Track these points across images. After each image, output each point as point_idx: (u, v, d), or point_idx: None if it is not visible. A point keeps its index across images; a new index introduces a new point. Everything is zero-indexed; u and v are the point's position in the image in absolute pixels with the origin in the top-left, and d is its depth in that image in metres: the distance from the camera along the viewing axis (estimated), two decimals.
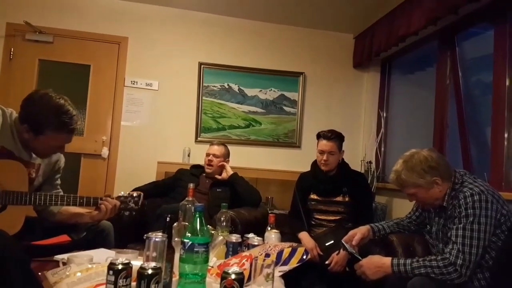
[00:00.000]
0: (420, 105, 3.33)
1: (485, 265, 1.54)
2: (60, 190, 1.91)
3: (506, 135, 2.29)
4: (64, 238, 1.70)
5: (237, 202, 2.71)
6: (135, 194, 1.85)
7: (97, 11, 3.46)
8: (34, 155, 1.72)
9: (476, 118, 2.70)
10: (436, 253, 1.70)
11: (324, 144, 2.35)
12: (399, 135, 3.57)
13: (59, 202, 1.69)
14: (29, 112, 1.60)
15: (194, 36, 3.60)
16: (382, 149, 3.62)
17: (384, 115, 3.66)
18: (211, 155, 2.78)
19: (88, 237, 1.80)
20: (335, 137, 2.35)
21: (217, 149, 2.81)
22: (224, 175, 2.77)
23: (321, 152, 2.36)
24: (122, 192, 1.86)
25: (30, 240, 1.67)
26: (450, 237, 1.57)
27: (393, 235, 1.95)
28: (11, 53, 3.31)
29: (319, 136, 2.41)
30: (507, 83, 2.30)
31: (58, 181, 1.89)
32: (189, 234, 1.23)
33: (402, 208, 2.74)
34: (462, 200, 1.56)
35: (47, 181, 1.82)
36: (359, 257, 1.77)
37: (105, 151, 3.40)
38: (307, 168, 2.61)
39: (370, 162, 3.42)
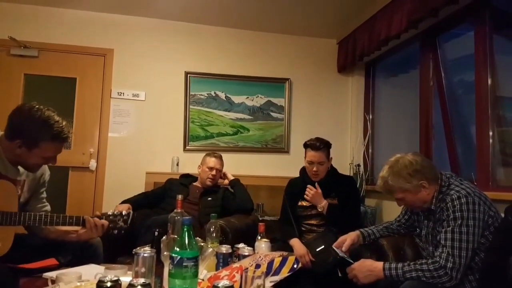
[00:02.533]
0: (405, 107, 3.37)
1: (475, 267, 1.56)
2: (47, 203, 1.90)
3: (490, 133, 2.33)
4: (51, 261, 1.66)
5: (228, 209, 2.71)
6: (124, 212, 1.83)
7: (82, 23, 3.44)
8: (20, 171, 1.70)
9: (461, 117, 2.75)
10: (426, 257, 1.71)
11: (313, 155, 2.33)
12: (386, 137, 3.61)
13: (48, 222, 1.68)
14: (20, 126, 1.60)
15: (180, 46, 3.61)
16: (370, 151, 3.66)
17: (370, 118, 3.70)
18: (214, 170, 2.78)
19: (76, 253, 1.78)
20: (323, 146, 2.34)
21: (220, 163, 2.84)
22: (226, 181, 2.89)
23: (311, 163, 2.35)
24: (111, 211, 1.84)
25: (18, 260, 1.64)
26: (439, 240, 1.58)
27: (384, 239, 1.96)
28: None
29: (307, 146, 2.39)
30: (489, 82, 2.35)
31: (44, 194, 1.88)
32: (178, 249, 1.22)
33: (392, 210, 2.77)
34: (450, 203, 1.58)
35: (33, 196, 1.81)
36: (351, 261, 1.78)
37: (93, 163, 3.37)
38: (296, 173, 2.62)
39: (359, 165, 3.45)
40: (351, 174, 3.37)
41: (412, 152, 1.78)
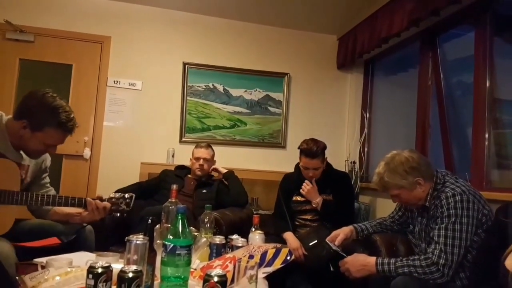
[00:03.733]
0: (402, 106, 3.37)
1: (467, 265, 1.57)
2: (51, 188, 1.92)
3: (486, 135, 2.33)
4: (53, 240, 1.68)
5: (222, 203, 2.70)
6: (127, 195, 1.84)
7: (80, 10, 3.39)
8: (24, 156, 1.70)
9: (458, 118, 2.75)
10: (419, 253, 1.72)
11: (308, 162, 2.28)
12: (382, 135, 3.61)
13: (50, 202, 1.69)
14: (30, 107, 1.61)
15: (179, 36, 3.57)
16: (366, 149, 3.66)
17: (368, 115, 3.70)
18: (201, 159, 2.75)
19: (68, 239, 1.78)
20: (320, 153, 2.28)
21: (207, 153, 2.79)
22: (219, 175, 2.87)
23: (306, 168, 2.32)
24: (113, 194, 1.84)
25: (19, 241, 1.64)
26: (432, 237, 1.59)
27: (377, 235, 1.97)
28: None
29: (302, 151, 2.31)
30: (488, 84, 2.35)
31: (47, 180, 1.89)
32: (171, 237, 1.21)
33: (386, 207, 2.77)
34: (444, 201, 1.58)
35: (35, 181, 1.82)
36: (344, 255, 1.78)
37: (87, 152, 3.34)
38: (292, 168, 2.61)
39: (354, 162, 3.45)
40: (347, 171, 3.37)
41: (409, 149, 1.78)
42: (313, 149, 2.25)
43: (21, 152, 1.70)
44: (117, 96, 3.43)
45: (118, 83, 3.44)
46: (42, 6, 3.33)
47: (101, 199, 1.79)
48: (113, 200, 1.81)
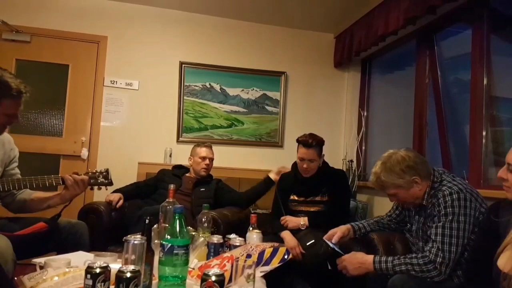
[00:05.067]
0: (400, 104, 3.38)
1: (464, 263, 1.57)
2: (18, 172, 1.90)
3: (484, 133, 2.34)
4: (40, 225, 1.68)
5: (221, 201, 2.70)
6: (102, 169, 1.89)
7: (76, 9, 3.38)
8: None
9: (455, 116, 2.76)
10: (416, 251, 1.72)
11: (304, 152, 2.30)
12: (379, 133, 3.62)
13: (27, 185, 1.70)
14: None
15: (175, 35, 3.57)
16: (363, 148, 3.67)
17: (365, 114, 3.71)
18: (207, 159, 2.76)
19: (62, 237, 1.77)
20: (315, 144, 2.30)
21: (210, 152, 2.81)
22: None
23: (302, 160, 2.33)
24: (90, 169, 1.90)
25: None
26: (429, 235, 1.59)
27: (374, 233, 1.97)
28: None
29: (299, 142, 2.36)
30: (485, 82, 2.36)
31: (16, 170, 1.86)
32: (169, 237, 1.21)
33: (383, 206, 2.78)
34: (441, 199, 1.59)
35: (5, 172, 1.80)
36: (342, 252, 1.79)
37: (84, 152, 3.33)
38: (289, 167, 2.61)
39: (352, 161, 3.46)
40: (344, 169, 3.38)
41: (405, 148, 1.78)
42: (309, 140, 2.30)
43: None
44: (114, 96, 3.42)
45: (115, 83, 3.43)
46: (38, 5, 3.31)
47: (77, 174, 1.81)
48: (89, 174, 1.85)
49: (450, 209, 1.55)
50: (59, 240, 1.72)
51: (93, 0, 3.40)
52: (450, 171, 2.40)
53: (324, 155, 2.41)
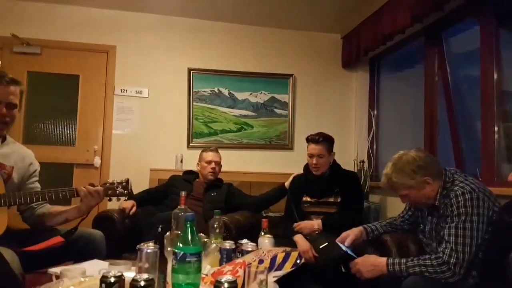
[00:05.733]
0: (410, 102, 3.35)
1: (479, 263, 1.55)
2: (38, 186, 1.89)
3: (496, 129, 2.31)
4: (57, 240, 1.66)
5: (232, 206, 2.71)
6: (122, 180, 1.82)
7: (84, 20, 3.44)
8: (3, 156, 1.71)
9: (466, 113, 2.72)
10: (430, 252, 1.71)
11: (313, 147, 2.36)
12: (390, 133, 3.59)
13: (40, 198, 1.69)
14: None
15: (183, 42, 3.60)
16: (374, 147, 3.64)
17: (375, 113, 3.69)
18: (213, 163, 2.78)
19: (78, 246, 1.77)
20: (323, 140, 2.36)
21: (218, 156, 2.84)
22: None
23: (311, 156, 2.38)
24: (110, 180, 1.84)
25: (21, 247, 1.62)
26: (443, 236, 1.58)
27: (387, 235, 1.96)
28: None
29: (308, 140, 2.43)
30: (495, 77, 2.32)
31: (36, 185, 1.86)
32: (181, 244, 1.23)
33: (396, 207, 2.75)
34: (454, 199, 1.57)
35: (22, 186, 1.80)
36: (355, 256, 1.78)
37: (97, 160, 3.38)
38: (300, 169, 2.61)
39: (363, 161, 3.44)
40: (355, 170, 3.36)
41: (416, 148, 1.77)
42: (317, 136, 2.37)
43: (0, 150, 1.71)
44: (124, 104, 3.47)
45: (125, 91, 3.48)
46: (47, 18, 3.38)
47: (93, 185, 1.78)
48: (107, 185, 1.79)
49: (463, 209, 1.54)
50: (75, 250, 1.73)
51: (101, 10, 3.46)
52: (462, 169, 2.39)
53: (334, 153, 2.42)
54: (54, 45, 3.38)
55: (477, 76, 2.46)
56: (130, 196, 1.88)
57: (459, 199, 1.55)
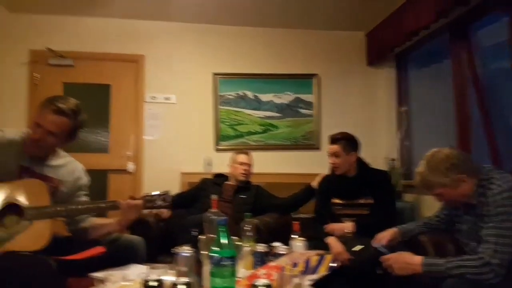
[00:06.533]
0: (440, 97, 3.26)
1: None
2: None
3: None
4: (98, 250, 1.69)
5: (261, 207, 2.73)
6: (162, 192, 1.82)
7: (113, 31, 3.56)
8: (53, 169, 1.77)
9: (500, 107, 2.63)
10: (469, 252, 1.66)
11: (330, 147, 2.37)
12: (421, 129, 3.50)
13: (83, 210, 1.73)
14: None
15: (207, 48, 3.67)
16: (405, 144, 3.57)
17: (404, 110, 3.61)
18: (246, 164, 2.84)
19: (120, 251, 1.80)
20: (340, 139, 2.34)
21: (250, 158, 2.90)
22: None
23: (329, 155, 2.38)
24: (150, 192, 1.84)
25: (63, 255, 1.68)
26: (482, 236, 1.54)
27: (423, 235, 1.92)
28: (36, 78, 3.44)
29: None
30: None
31: (83, 198, 1.89)
32: (216, 249, 1.26)
33: (432, 206, 2.68)
34: (491, 198, 1.53)
35: (70, 199, 1.84)
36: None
37: (130, 166, 3.50)
38: (328, 169, 2.60)
39: (394, 159, 3.37)
40: (387, 169, 3.30)
41: (449, 146, 1.74)
42: (335, 135, 2.37)
43: (51, 165, 1.77)
44: (154, 110, 3.58)
45: (155, 98, 3.58)
46: (79, 31, 3.53)
47: (133, 199, 1.80)
48: (147, 197, 1.80)
49: (501, 209, 1.50)
50: (116, 255, 1.74)
51: (129, 21, 3.57)
52: (499, 165, 2.31)
53: (355, 153, 2.37)
54: (86, 57, 3.52)
55: (508, 69, 2.37)
56: (170, 208, 1.91)
57: (497, 198, 1.51)
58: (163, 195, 1.81)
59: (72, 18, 3.51)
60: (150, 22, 3.60)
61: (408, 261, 1.63)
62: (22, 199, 1.60)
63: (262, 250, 1.56)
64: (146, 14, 3.50)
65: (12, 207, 1.59)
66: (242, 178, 2.82)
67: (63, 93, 3.45)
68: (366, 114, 3.76)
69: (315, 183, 2.66)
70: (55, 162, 1.82)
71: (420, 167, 1.70)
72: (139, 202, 1.78)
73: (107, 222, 1.86)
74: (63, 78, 3.50)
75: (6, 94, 3.40)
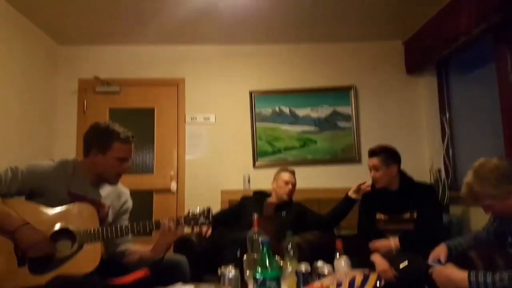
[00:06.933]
0: (485, 104, 3.11)
1: None
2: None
3: None
4: (143, 273, 1.73)
5: (303, 225, 2.72)
6: (204, 208, 1.84)
7: (154, 57, 3.76)
8: (103, 195, 1.87)
9: None
10: None
11: (369, 160, 2.35)
12: (467, 137, 3.35)
13: (130, 232, 1.79)
14: (91, 138, 1.83)
15: (243, 67, 3.77)
16: (450, 154, 3.43)
17: (447, 118, 3.48)
18: (290, 184, 2.83)
19: (164, 271, 1.86)
20: (379, 152, 2.31)
21: (293, 177, 2.87)
22: None
23: (370, 170, 2.35)
24: (191, 210, 1.86)
25: (110, 276, 1.74)
26: None
27: (472, 250, 1.84)
28: (85, 105, 3.70)
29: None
30: None
31: (126, 222, 1.95)
32: (260, 269, 1.29)
33: (481, 218, 2.55)
34: None
35: (115, 222, 1.93)
36: None
37: (173, 185, 3.62)
38: (369, 182, 2.55)
39: (439, 170, 3.25)
40: (432, 181, 3.19)
41: (497, 156, 1.66)
42: (372, 149, 2.34)
43: (100, 190, 1.87)
44: (194, 130, 3.71)
45: (195, 119, 3.71)
46: (123, 59, 3.75)
47: (177, 222, 1.80)
48: (190, 216, 1.82)
49: None
50: (162, 275, 1.80)
51: (168, 47, 3.76)
52: None
53: (397, 166, 2.32)
54: (131, 83, 3.73)
55: None
56: (210, 225, 1.92)
57: None
58: (205, 213, 1.84)
59: (116, 47, 3.75)
60: (188, 46, 3.76)
61: (450, 277, 1.56)
62: (73, 224, 1.70)
63: (305, 270, 1.56)
64: (184, 39, 3.66)
65: (64, 232, 1.69)
66: (285, 197, 2.82)
67: (109, 118, 3.67)
68: (408, 124, 3.66)
69: (351, 193, 2.60)
70: (106, 189, 1.92)
71: (468, 178, 1.64)
72: (174, 221, 1.79)
73: (141, 249, 1.90)
74: (109, 104, 3.72)
75: (57, 122, 3.66)
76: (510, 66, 2.62)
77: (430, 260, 1.82)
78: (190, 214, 1.83)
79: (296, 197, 2.97)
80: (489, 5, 2.34)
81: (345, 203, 2.64)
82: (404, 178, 2.35)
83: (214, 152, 3.68)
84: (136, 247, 1.92)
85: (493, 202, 1.59)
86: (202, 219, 1.82)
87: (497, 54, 2.73)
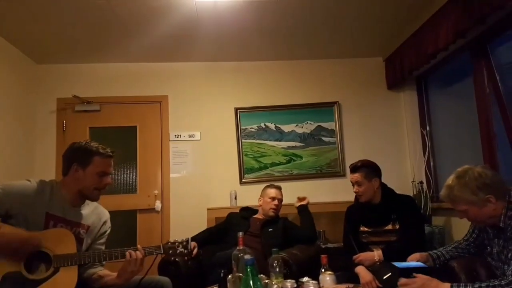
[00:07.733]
0: (464, 117, 3.20)
1: None
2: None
3: None
4: None
5: (289, 239, 2.71)
6: (182, 239, 1.88)
7: (136, 75, 3.73)
8: (83, 215, 1.85)
9: None
10: (501, 275, 1.61)
11: (351, 176, 2.39)
12: (447, 150, 3.43)
13: (107, 258, 1.77)
14: (71, 155, 1.83)
15: (228, 84, 3.79)
16: (432, 167, 3.49)
17: (428, 132, 3.56)
18: (276, 199, 2.84)
19: None
20: (360, 167, 2.36)
21: (280, 193, 2.90)
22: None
23: (352, 185, 2.39)
24: (172, 239, 1.89)
25: None
26: (510, 258, 1.49)
27: (454, 260, 1.86)
28: (64, 125, 3.62)
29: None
30: None
31: (103, 247, 1.94)
32: None
33: (462, 229, 2.59)
34: None
35: (92, 245, 1.91)
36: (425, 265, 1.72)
37: (158, 204, 3.56)
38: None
39: (421, 182, 3.30)
40: (415, 192, 3.23)
41: (481, 165, 1.71)
42: (355, 163, 2.39)
43: (81, 211, 1.85)
44: (179, 148, 3.68)
45: (179, 136, 3.69)
46: (103, 77, 3.70)
47: (150, 251, 1.82)
48: (168, 244, 1.85)
49: None
50: None
51: (151, 64, 3.75)
52: None
53: (378, 179, 2.35)
54: (112, 101, 3.68)
55: None
56: (190, 256, 1.94)
57: None
58: (184, 243, 1.87)
59: (96, 65, 3.71)
60: (172, 63, 3.76)
61: None
62: (50, 247, 1.68)
63: (290, 287, 1.55)
64: (168, 57, 3.66)
65: (41, 255, 1.66)
66: (272, 213, 2.81)
67: (89, 137, 3.58)
68: (390, 138, 3.73)
69: (296, 204, 2.92)
70: (87, 209, 1.90)
71: (450, 181, 1.68)
72: (140, 255, 1.78)
73: (109, 274, 1.87)
74: (90, 123, 3.64)
75: (36, 142, 3.56)
76: (487, 80, 2.72)
77: (408, 259, 1.84)
78: (169, 243, 1.85)
79: (283, 212, 2.97)
80: (466, 22, 2.42)
81: (303, 214, 2.86)
82: (385, 190, 2.38)
83: (200, 170, 3.66)
84: (104, 272, 1.89)
85: (469, 208, 1.63)
86: (181, 249, 1.85)
87: (474, 69, 2.83)
